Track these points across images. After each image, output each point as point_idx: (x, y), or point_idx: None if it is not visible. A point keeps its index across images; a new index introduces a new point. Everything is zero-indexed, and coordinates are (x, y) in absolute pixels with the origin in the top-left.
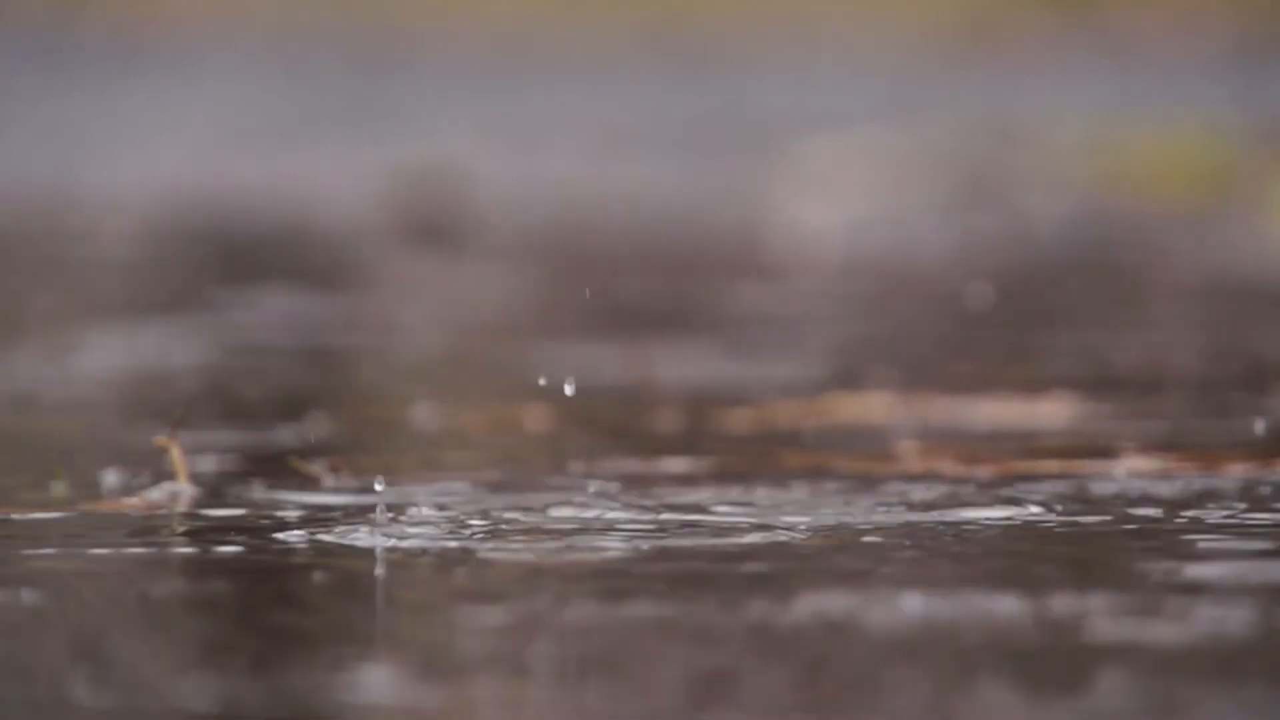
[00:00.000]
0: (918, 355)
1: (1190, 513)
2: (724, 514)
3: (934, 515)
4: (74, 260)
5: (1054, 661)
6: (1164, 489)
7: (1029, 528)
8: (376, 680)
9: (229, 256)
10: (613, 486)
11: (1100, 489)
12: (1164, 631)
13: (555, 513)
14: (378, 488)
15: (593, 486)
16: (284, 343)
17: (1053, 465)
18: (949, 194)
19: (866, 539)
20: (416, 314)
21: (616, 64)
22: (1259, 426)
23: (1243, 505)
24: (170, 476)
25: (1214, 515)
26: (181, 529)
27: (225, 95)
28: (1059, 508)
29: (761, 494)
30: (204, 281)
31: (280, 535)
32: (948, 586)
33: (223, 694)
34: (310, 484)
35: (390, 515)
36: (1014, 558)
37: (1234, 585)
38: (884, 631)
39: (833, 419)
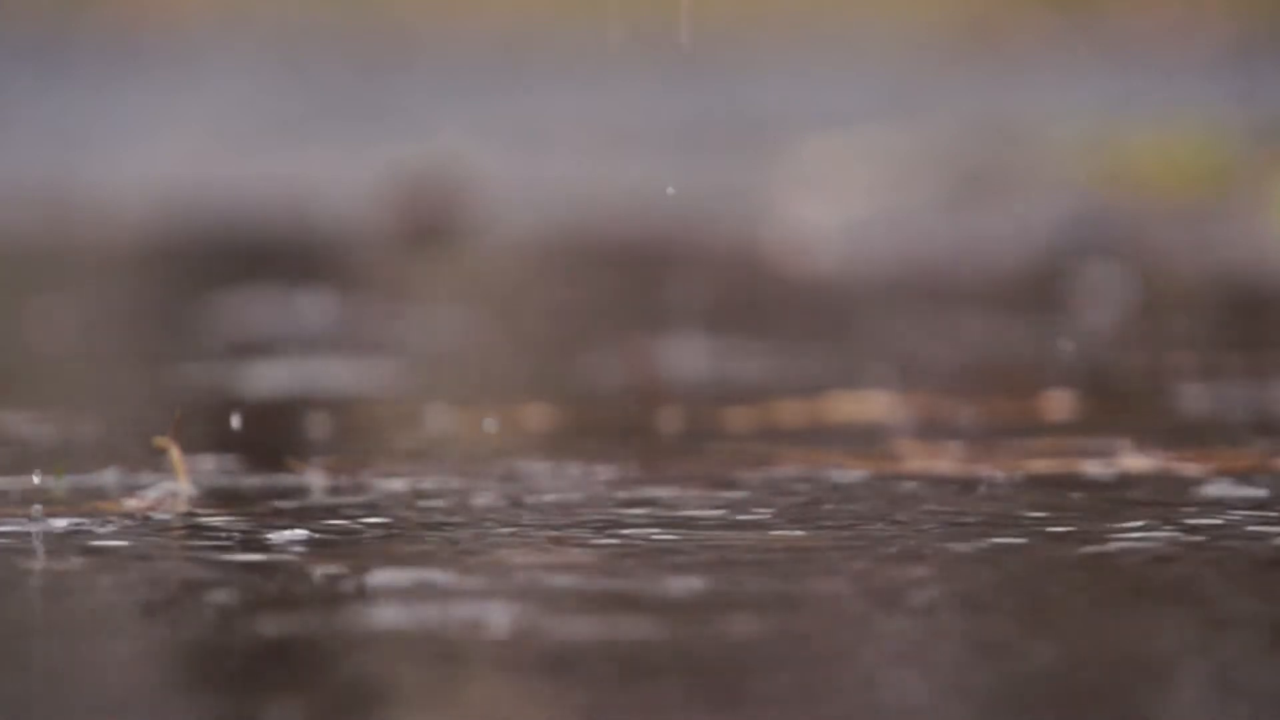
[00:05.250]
0: (918, 355)
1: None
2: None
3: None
4: (74, 260)
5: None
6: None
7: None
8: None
9: (228, 256)
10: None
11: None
12: None
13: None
14: (374, 478)
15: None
16: (283, 342)
17: (1051, 464)
18: (949, 194)
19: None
20: (416, 313)
21: (616, 64)
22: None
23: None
24: (170, 477)
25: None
26: (179, 530)
27: (225, 95)
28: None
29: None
30: (203, 281)
31: (274, 537)
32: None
33: (208, 709)
34: (306, 484)
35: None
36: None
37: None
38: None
39: (833, 419)
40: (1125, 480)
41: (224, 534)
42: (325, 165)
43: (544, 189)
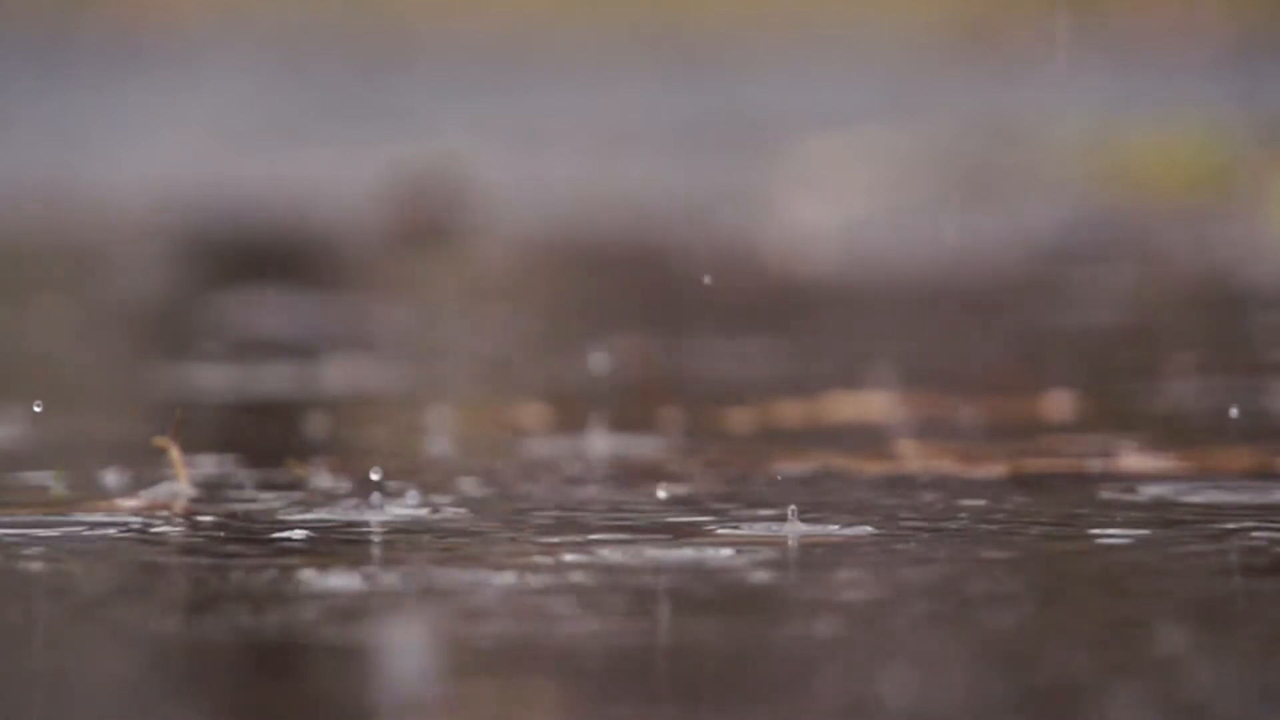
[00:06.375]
0: (918, 355)
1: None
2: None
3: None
4: (74, 260)
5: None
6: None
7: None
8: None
9: (228, 256)
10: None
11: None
12: None
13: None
14: (374, 477)
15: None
16: (283, 342)
17: (1052, 464)
18: (949, 194)
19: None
20: (415, 313)
21: (616, 64)
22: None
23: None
24: (170, 477)
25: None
26: (179, 530)
27: (225, 95)
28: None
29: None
30: (204, 281)
31: (274, 537)
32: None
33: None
34: (305, 485)
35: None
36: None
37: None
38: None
39: (833, 419)
40: (1126, 480)
41: (223, 534)
42: (325, 165)
43: (544, 189)
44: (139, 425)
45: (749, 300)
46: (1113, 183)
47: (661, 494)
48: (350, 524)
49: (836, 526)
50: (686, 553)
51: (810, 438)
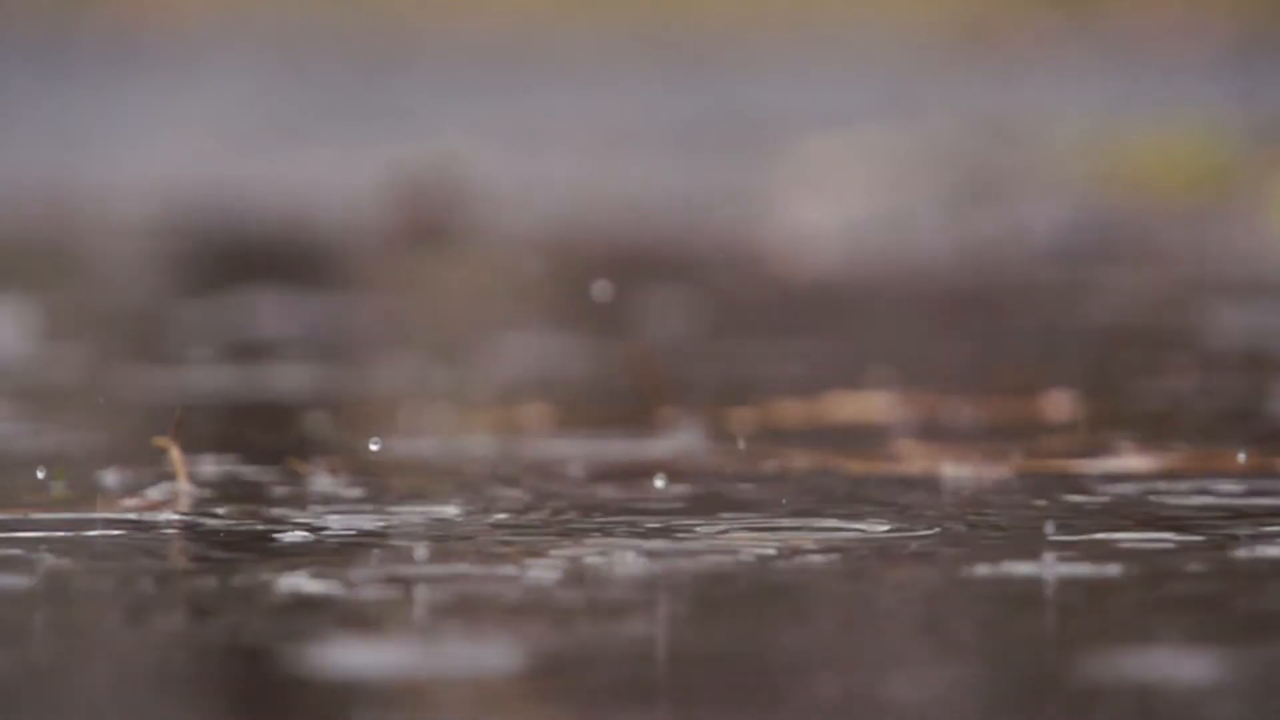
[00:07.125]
0: (918, 355)
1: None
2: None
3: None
4: (74, 260)
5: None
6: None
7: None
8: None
9: (229, 256)
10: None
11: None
12: None
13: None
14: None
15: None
16: (283, 342)
17: (1054, 465)
18: (949, 194)
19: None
20: (416, 313)
21: (616, 64)
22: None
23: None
24: (170, 477)
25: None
26: (179, 530)
27: (225, 95)
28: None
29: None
30: (204, 281)
31: (274, 537)
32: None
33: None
34: (306, 485)
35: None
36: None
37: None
38: None
39: (833, 419)
40: (1126, 480)
41: (224, 534)
42: (325, 165)
43: (544, 189)
44: (139, 425)
45: (749, 300)
46: (1113, 183)
47: (661, 492)
48: (350, 525)
49: (838, 528)
50: (685, 552)
51: (811, 438)
